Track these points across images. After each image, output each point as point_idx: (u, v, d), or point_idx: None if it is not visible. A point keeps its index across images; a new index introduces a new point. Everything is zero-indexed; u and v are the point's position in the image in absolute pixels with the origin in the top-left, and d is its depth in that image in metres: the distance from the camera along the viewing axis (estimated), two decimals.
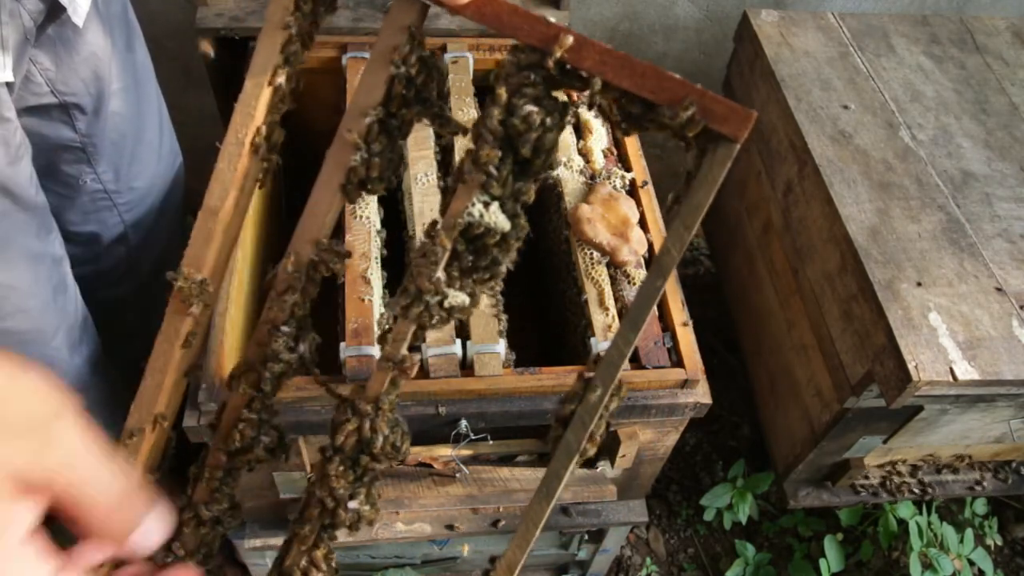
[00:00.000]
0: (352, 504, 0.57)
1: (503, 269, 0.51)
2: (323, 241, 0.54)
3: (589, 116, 1.23)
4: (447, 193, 0.50)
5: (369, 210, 1.09)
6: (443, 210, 0.49)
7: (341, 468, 0.57)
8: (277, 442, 0.60)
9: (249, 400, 0.58)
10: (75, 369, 1.09)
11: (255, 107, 0.52)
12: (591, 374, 0.52)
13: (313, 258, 0.54)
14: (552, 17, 1.35)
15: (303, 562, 0.59)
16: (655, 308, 0.99)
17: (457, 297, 0.50)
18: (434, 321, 0.51)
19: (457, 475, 1.14)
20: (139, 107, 1.16)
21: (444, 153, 1.20)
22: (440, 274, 0.49)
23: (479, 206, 0.47)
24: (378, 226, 1.10)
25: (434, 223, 0.50)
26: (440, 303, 0.50)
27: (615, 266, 1.08)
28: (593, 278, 1.06)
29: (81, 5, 0.94)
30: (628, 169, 1.19)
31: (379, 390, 0.55)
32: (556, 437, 0.54)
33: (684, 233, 0.47)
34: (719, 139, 0.44)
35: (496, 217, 0.47)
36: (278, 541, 1.21)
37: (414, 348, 0.57)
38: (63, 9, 0.91)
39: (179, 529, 0.59)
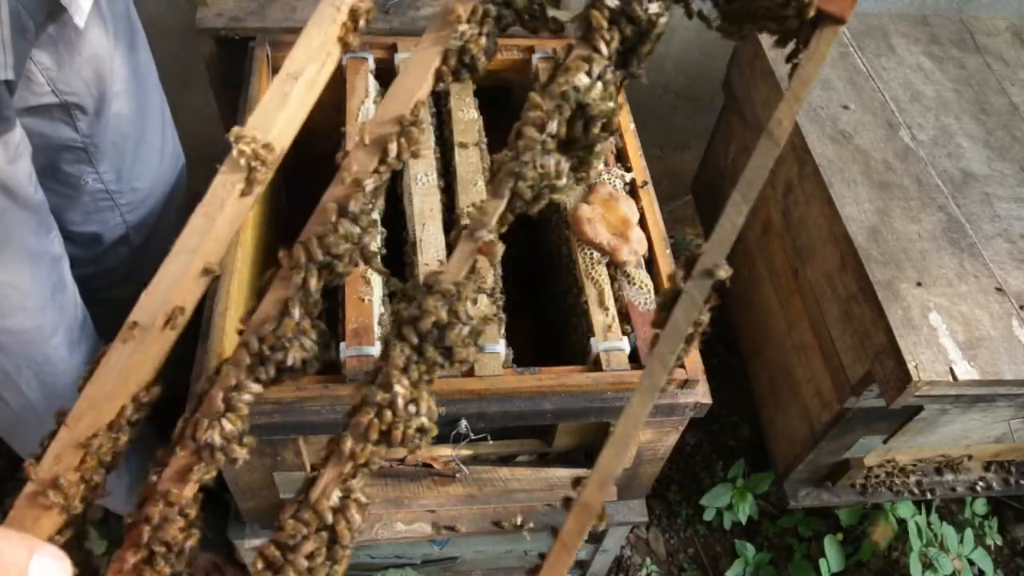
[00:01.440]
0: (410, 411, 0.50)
1: (594, 159, 0.51)
2: (407, 117, 0.53)
3: None
4: (559, 66, 0.50)
5: None
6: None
7: (406, 360, 0.50)
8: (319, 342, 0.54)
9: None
10: (74, 368, 1.09)
11: None
12: (700, 252, 0.49)
13: (395, 133, 0.53)
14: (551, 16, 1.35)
15: (336, 494, 0.51)
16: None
17: (551, 167, 0.50)
18: (528, 189, 0.50)
19: (457, 475, 1.14)
20: (141, 108, 1.16)
21: (443, 152, 1.20)
22: (540, 143, 0.49)
23: (583, 76, 0.48)
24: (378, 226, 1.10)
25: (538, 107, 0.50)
26: (535, 167, 0.50)
27: (615, 266, 1.08)
28: (593, 278, 1.06)
29: (83, 5, 0.94)
30: (628, 169, 1.19)
31: (459, 272, 0.51)
32: (661, 320, 0.51)
33: (795, 104, 0.53)
34: (826, 20, 0.52)
35: (596, 91, 0.48)
36: None
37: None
38: (64, 9, 0.91)
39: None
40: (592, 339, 1.01)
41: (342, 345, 0.95)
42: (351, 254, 0.54)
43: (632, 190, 1.16)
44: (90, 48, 1.00)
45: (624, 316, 1.04)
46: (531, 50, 1.31)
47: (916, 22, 1.58)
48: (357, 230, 0.53)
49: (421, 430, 0.51)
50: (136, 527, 0.51)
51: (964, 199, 1.29)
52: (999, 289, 1.18)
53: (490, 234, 0.51)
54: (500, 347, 0.98)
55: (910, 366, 1.07)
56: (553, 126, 0.50)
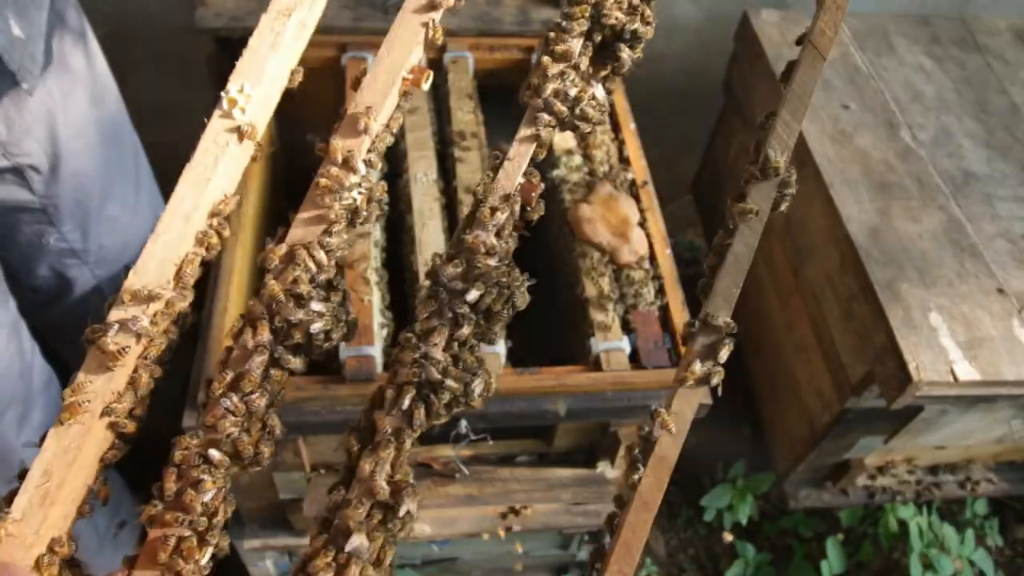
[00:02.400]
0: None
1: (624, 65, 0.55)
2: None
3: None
4: None
5: None
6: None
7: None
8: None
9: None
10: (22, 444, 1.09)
11: None
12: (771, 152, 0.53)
13: (405, 78, 0.53)
14: (551, 16, 1.35)
15: (390, 463, 0.50)
16: (655, 312, 0.98)
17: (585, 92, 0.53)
18: (573, 88, 0.52)
19: (457, 475, 1.14)
20: (107, 164, 1.11)
21: (443, 152, 1.20)
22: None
23: None
24: (378, 226, 1.09)
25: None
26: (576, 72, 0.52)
27: (615, 266, 1.08)
28: (593, 278, 1.06)
29: (31, 71, 0.89)
30: (628, 169, 1.18)
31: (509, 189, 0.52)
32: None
33: (837, 13, 0.50)
34: None
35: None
36: (278, 542, 1.21)
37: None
38: (11, 73, 0.87)
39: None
40: (592, 339, 1.01)
41: (342, 345, 0.95)
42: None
43: (632, 190, 1.16)
44: (42, 106, 0.96)
45: (624, 316, 1.04)
46: (531, 50, 1.31)
47: (917, 22, 1.58)
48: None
49: (487, 390, 0.53)
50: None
51: (965, 199, 1.29)
52: (1000, 289, 1.18)
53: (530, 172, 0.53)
54: (500, 347, 0.98)
55: (911, 366, 1.07)
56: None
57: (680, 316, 1.04)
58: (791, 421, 1.42)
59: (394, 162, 1.18)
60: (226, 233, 0.51)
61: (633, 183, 1.17)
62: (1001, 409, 1.24)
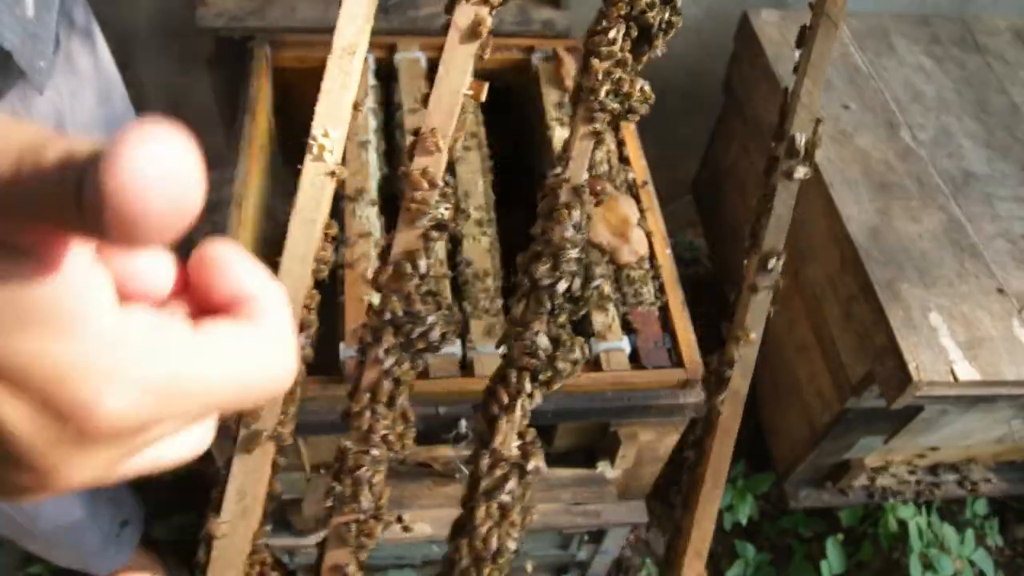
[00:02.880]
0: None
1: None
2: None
3: None
4: None
5: (369, 210, 1.09)
6: None
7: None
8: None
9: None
10: None
11: None
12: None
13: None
14: (551, 16, 1.35)
15: (514, 437, 0.59)
16: (657, 313, 0.98)
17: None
18: (625, 85, 0.57)
19: (457, 475, 1.14)
20: None
21: None
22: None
23: None
24: (378, 226, 1.09)
25: None
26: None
27: (615, 266, 1.08)
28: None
29: (41, 70, 0.88)
30: (628, 169, 1.18)
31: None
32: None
33: None
34: None
35: None
36: (278, 542, 1.21)
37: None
38: (21, 72, 0.85)
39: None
40: (592, 339, 1.01)
41: (341, 345, 0.95)
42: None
43: (632, 190, 1.16)
44: (50, 104, 0.95)
45: (624, 316, 1.04)
46: (531, 50, 1.31)
47: (917, 22, 1.58)
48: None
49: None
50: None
51: (965, 199, 1.29)
52: (1000, 289, 1.18)
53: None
54: (500, 348, 0.98)
55: (911, 366, 1.07)
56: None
57: (680, 316, 1.04)
58: (791, 421, 1.42)
59: (395, 162, 1.18)
60: (324, 274, 0.57)
61: (633, 183, 1.17)
62: (1001, 409, 1.24)
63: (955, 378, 1.07)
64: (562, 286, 0.57)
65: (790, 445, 1.43)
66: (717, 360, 0.63)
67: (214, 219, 1.05)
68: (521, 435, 0.60)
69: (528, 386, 0.59)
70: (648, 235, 1.11)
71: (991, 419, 1.27)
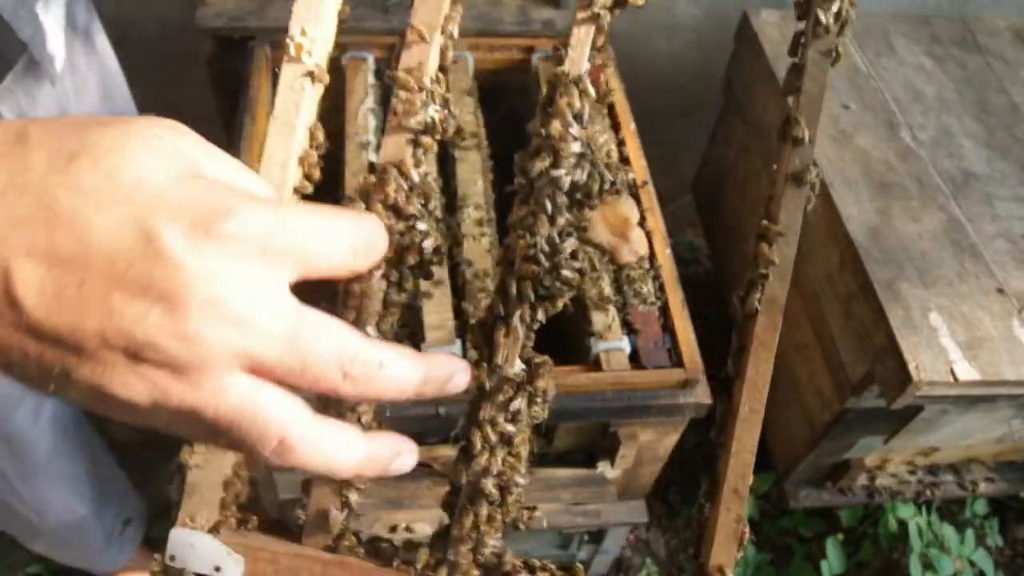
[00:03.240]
0: None
1: None
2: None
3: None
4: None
5: None
6: None
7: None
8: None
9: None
10: (40, 439, 1.09)
11: None
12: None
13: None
14: (551, 16, 1.35)
15: (516, 355, 0.53)
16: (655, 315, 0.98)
17: None
18: None
19: None
20: None
21: (444, 152, 1.20)
22: None
23: None
24: None
25: None
26: None
27: (615, 266, 1.08)
28: (593, 278, 1.06)
29: (53, 63, 0.89)
30: (628, 169, 1.19)
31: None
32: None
33: None
34: None
35: None
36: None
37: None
38: (35, 64, 0.87)
39: None
40: (592, 339, 1.01)
41: None
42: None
43: (632, 190, 1.16)
44: (54, 100, 0.95)
45: (624, 316, 1.04)
46: (531, 50, 1.31)
47: (917, 22, 1.58)
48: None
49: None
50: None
51: (965, 199, 1.29)
52: (1000, 289, 1.18)
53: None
54: None
55: (911, 366, 1.07)
56: None
57: (680, 316, 1.04)
58: (791, 421, 1.42)
59: None
60: (316, 174, 0.52)
61: (633, 183, 1.17)
62: (1001, 409, 1.24)
63: (955, 378, 1.07)
64: (565, 181, 0.51)
65: (790, 445, 1.43)
66: (751, 267, 0.58)
67: None
68: (527, 361, 0.53)
69: (531, 295, 0.53)
70: (648, 235, 1.11)
71: (991, 419, 1.27)
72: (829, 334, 1.27)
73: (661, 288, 1.07)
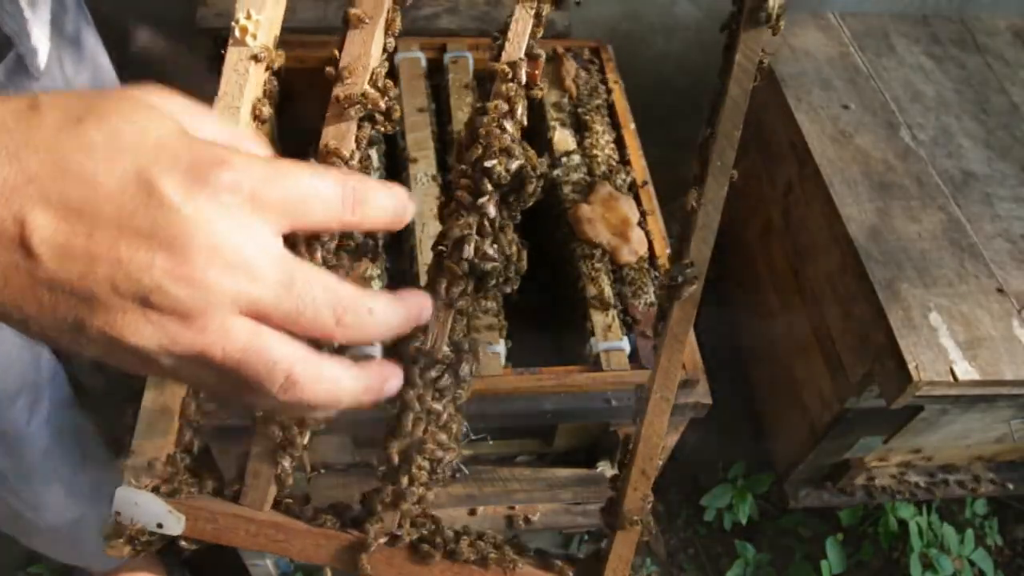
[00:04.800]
0: None
1: None
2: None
3: (591, 115, 1.23)
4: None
5: None
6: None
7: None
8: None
9: None
10: (36, 434, 1.09)
11: None
12: None
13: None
14: (551, 16, 1.35)
15: (445, 338, 0.53)
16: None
17: None
18: None
19: (457, 475, 1.14)
20: None
21: (443, 152, 1.20)
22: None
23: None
24: None
25: None
26: None
27: (615, 266, 1.08)
28: (593, 278, 1.06)
29: (38, 58, 0.89)
30: (628, 169, 1.19)
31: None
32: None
33: None
34: None
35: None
36: None
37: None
38: (18, 60, 0.87)
39: None
40: (592, 339, 1.01)
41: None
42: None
43: (632, 190, 1.16)
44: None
45: (624, 316, 1.04)
46: None
47: (916, 22, 1.58)
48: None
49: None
50: None
51: (964, 199, 1.29)
52: (1000, 289, 1.18)
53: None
54: (500, 347, 0.98)
55: (910, 366, 1.07)
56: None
57: None
58: (791, 421, 1.42)
59: (394, 162, 1.18)
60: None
61: (633, 183, 1.17)
62: (1001, 409, 1.24)
63: (955, 378, 1.07)
64: (497, 171, 0.50)
65: (790, 445, 1.43)
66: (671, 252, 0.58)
67: None
68: (456, 345, 0.54)
69: (455, 289, 0.52)
70: (648, 235, 1.11)
71: (991, 419, 1.27)
72: (829, 334, 1.27)
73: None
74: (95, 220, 0.34)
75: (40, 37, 0.89)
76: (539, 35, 0.56)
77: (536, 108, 1.27)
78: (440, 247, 0.53)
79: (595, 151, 1.20)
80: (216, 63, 1.36)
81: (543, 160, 0.54)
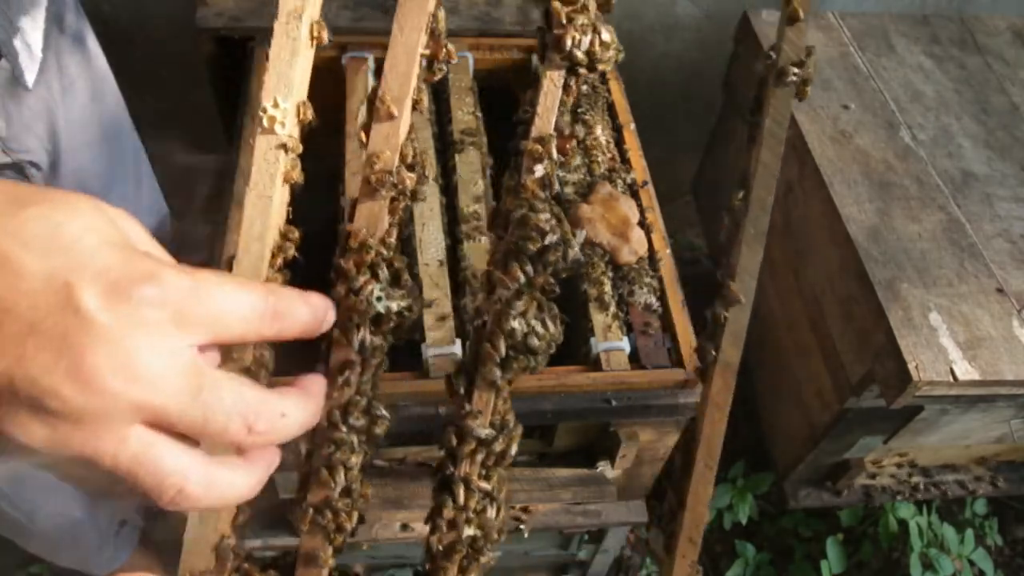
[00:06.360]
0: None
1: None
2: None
3: (591, 114, 1.23)
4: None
5: None
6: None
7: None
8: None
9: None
10: None
11: None
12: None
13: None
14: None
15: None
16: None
17: None
18: (585, 36, 0.53)
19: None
20: (107, 161, 1.11)
21: (443, 152, 1.20)
22: None
23: None
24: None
25: None
26: None
27: (615, 266, 1.08)
28: (593, 278, 1.06)
29: (29, 67, 0.89)
30: (628, 169, 1.19)
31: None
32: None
33: None
34: None
35: None
36: (278, 542, 1.21)
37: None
38: (9, 68, 0.87)
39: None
40: (592, 339, 1.01)
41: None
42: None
43: (632, 190, 1.16)
44: (41, 103, 0.95)
45: (624, 316, 1.04)
46: (531, 50, 1.31)
47: (916, 22, 1.58)
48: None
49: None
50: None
51: (964, 199, 1.29)
52: (999, 289, 1.18)
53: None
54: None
55: (910, 366, 1.07)
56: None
57: (680, 316, 1.04)
58: (791, 421, 1.42)
59: None
60: (291, 252, 0.53)
61: (633, 183, 1.17)
62: (1001, 409, 1.24)
63: (955, 378, 1.07)
64: (531, 248, 0.51)
65: (790, 445, 1.43)
66: (708, 320, 0.59)
67: (215, 218, 1.05)
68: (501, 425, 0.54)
69: (499, 362, 0.53)
70: (648, 235, 1.11)
71: (991, 419, 1.27)
72: (829, 334, 1.27)
73: (661, 288, 1.07)
74: (9, 312, 0.33)
75: (31, 48, 0.89)
76: (569, 104, 0.57)
77: None
78: (478, 323, 0.53)
79: (595, 151, 1.20)
80: (214, 62, 1.36)
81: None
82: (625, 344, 1.00)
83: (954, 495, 1.50)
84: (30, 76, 0.90)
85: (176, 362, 0.36)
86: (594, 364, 0.99)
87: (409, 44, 0.53)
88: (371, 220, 0.53)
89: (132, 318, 0.35)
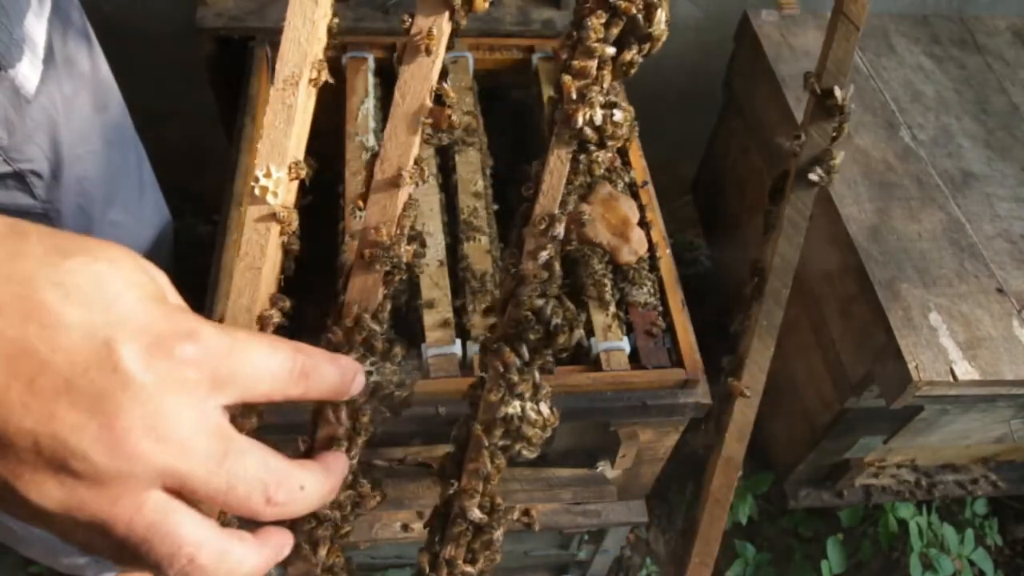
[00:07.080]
0: None
1: None
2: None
3: None
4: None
5: None
6: None
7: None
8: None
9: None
10: None
11: None
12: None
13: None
14: (551, 16, 1.35)
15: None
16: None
17: None
18: (598, 112, 0.53)
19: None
20: (109, 169, 1.10)
21: (443, 152, 1.20)
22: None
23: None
24: None
25: None
26: None
27: (615, 266, 1.08)
28: (593, 278, 1.06)
29: (29, 76, 0.88)
30: (628, 169, 1.19)
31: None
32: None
33: None
34: None
35: None
36: None
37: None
38: (11, 78, 0.86)
39: None
40: (592, 339, 1.01)
41: None
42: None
43: (632, 190, 1.16)
44: (43, 112, 0.94)
45: (624, 316, 1.04)
46: (531, 50, 1.31)
47: (916, 22, 1.58)
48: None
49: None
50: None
51: (964, 199, 1.29)
52: (999, 289, 1.18)
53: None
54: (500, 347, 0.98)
55: (910, 366, 1.07)
56: None
57: (680, 316, 1.04)
58: (791, 421, 1.42)
59: None
60: (277, 320, 0.53)
61: (633, 183, 1.17)
62: (1000, 409, 1.24)
63: (955, 378, 1.07)
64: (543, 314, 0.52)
65: (790, 445, 1.43)
66: (716, 406, 0.58)
67: (215, 219, 1.05)
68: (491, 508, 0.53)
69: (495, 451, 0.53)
70: (648, 235, 1.11)
71: (991, 419, 1.27)
72: (829, 334, 1.27)
73: (661, 288, 1.07)
74: (44, 366, 0.32)
75: (32, 58, 0.88)
76: (577, 183, 0.56)
77: (536, 107, 1.27)
78: (480, 423, 0.53)
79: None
80: (214, 62, 1.36)
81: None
82: (625, 344, 1.00)
83: (954, 495, 1.50)
84: (31, 87, 0.89)
85: (206, 425, 0.35)
86: (594, 364, 0.99)
87: (409, 112, 0.53)
88: (364, 294, 0.53)
89: (171, 377, 0.34)
